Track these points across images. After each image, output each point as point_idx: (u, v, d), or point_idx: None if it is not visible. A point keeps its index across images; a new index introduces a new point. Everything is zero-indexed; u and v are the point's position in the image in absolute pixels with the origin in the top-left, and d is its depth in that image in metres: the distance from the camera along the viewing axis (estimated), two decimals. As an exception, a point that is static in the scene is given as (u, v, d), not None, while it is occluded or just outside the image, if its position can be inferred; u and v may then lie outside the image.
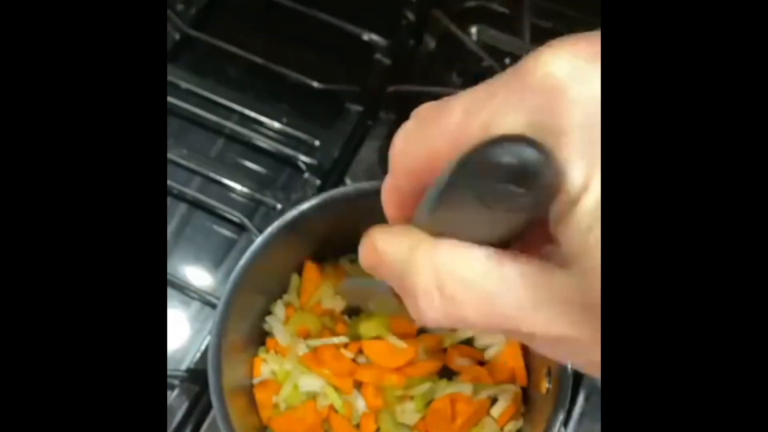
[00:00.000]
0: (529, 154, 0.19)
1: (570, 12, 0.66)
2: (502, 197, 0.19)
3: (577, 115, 0.19)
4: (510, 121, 0.20)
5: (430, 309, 0.21)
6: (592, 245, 0.19)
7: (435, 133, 0.22)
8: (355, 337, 0.51)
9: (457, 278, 0.21)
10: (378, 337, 0.51)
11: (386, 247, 0.23)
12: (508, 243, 0.21)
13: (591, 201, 0.18)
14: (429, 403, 0.49)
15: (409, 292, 0.22)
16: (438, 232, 0.22)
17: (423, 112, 0.23)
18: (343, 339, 0.51)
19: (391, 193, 0.25)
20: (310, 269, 0.53)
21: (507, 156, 0.19)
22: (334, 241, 0.52)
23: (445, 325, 0.22)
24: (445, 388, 0.49)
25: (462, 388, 0.49)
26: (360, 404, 0.49)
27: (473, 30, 0.70)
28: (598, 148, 0.18)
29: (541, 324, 0.20)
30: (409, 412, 0.49)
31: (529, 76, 0.19)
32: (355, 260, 0.55)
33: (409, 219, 0.24)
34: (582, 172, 0.19)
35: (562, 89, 0.19)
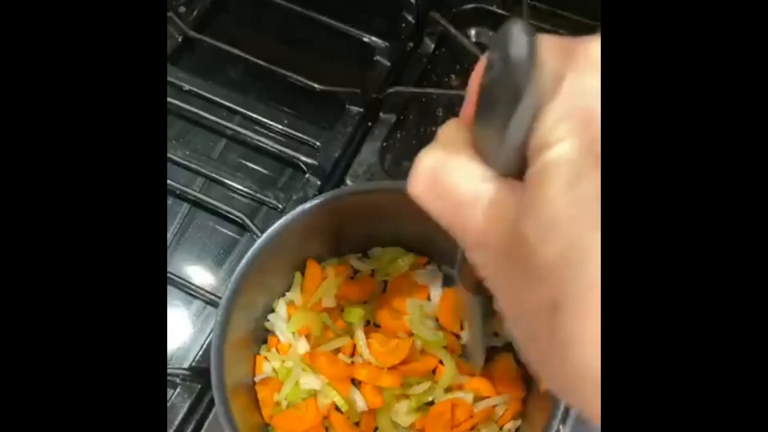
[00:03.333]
0: (518, 37, 0.22)
1: (568, 14, 0.67)
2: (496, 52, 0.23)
3: (582, 85, 0.21)
4: (551, 61, 0.23)
5: (417, 180, 0.26)
6: (540, 179, 0.22)
7: None
8: (348, 329, 0.51)
9: (453, 175, 0.25)
10: (368, 324, 0.51)
11: (439, 134, 0.27)
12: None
13: (556, 154, 0.21)
14: (427, 404, 0.50)
15: (414, 167, 0.26)
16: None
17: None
18: (337, 343, 0.51)
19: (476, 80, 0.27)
20: (312, 268, 0.53)
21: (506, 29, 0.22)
22: (335, 240, 0.53)
23: (420, 201, 0.26)
24: (445, 395, 0.50)
25: (462, 396, 0.50)
26: (360, 403, 0.49)
27: (472, 32, 0.70)
28: (587, 124, 0.21)
29: (476, 228, 0.24)
30: (402, 413, 0.49)
31: (579, 43, 0.22)
32: (359, 258, 0.55)
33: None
34: (559, 130, 0.21)
35: (592, 59, 0.22)
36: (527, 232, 0.22)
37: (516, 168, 0.24)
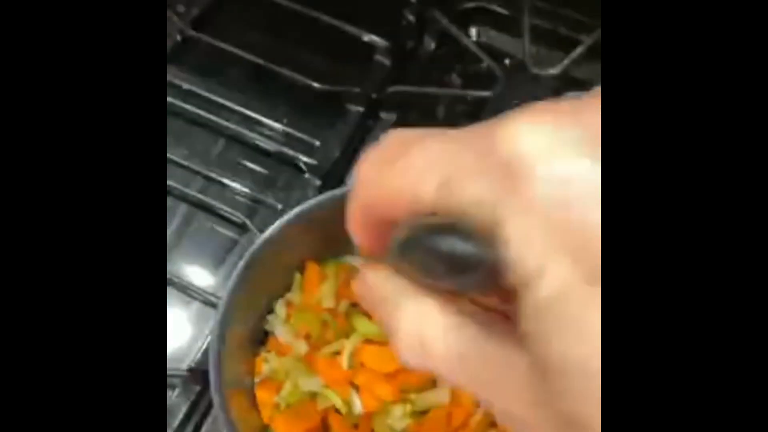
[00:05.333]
0: (460, 247, 0.18)
1: (569, 13, 0.66)
2: (441, 277, 0.19)
3: (541, 198, 0.17)
4: (469, 190, 0.18)
5: (407, 354, 0.21)
6: (541, 336, 0.17)
7: (397, 173, 0.21)
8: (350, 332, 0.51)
9: (434, 338, 0.21)
10: (370, 341, 0.51)
11: (376, 286, 0.23)
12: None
13: (543, 290, 0.17)
14: (423, 412, 0.49)
15: (393, 334, 0.22)
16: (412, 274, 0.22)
17: (392, 143, 0.22)
18: (337, 346, 0.51)
19: (356, 215, 0.24)
20: (311, 269, 0.53)
21: (441, 245, 0.19)
22: (335, 241, 0.52)
23: (422, 370, 0.22)
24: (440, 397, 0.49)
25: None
26: (357, 406, 0.49)
27: (473, 31, 0.70)
28: (560, 234, 0.17)
29: (498, 399, 0.20)
30: (397, 418, 0.49)
31: (499, 144, 0.18)
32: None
33: (373, 243, 0.24)
34: (536, 258, 0.17)
35: (530, 167, 0.17)
36: (580, 420, 0.17)
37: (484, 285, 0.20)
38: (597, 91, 0.18)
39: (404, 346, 0.21)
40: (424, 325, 0.21)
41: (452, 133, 0.20)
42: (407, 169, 0.20)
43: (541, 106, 0.18)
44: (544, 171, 0.17)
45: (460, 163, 0.19)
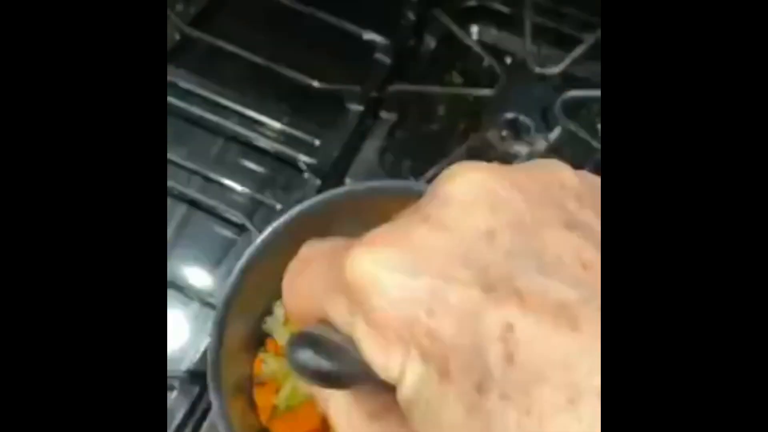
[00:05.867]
0: (310, 359, 0.21)
1: (570, 11, 0.66)
2: (314, 382, 0.22)
3: (380, 316, 0.20)
4: (332, 311, 0.22)
5: None
6: (413, 425, 0.20)
7: (294, 291, 0.25)
8: None
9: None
10: None
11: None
12: None
13: (404, 391, 0.19)
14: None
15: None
16: None
17: (300, 259, 0.26)
18: None
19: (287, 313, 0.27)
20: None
21: (298, 357, 0.22)
22: (335, 241, 0.52)
23: None
24: None
25: None
26: None
27: (474, 29, 0.70)
28: (404, 343, 0.19)
29: None
30: None
31: (345, 272, 0.20)
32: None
33: None
34: (394, 366, 0.20)
35: (365, 293, 0.20)
36: None
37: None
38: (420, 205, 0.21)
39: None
40: (341, 417, 0.24)
41: (326, 252, 0.24)
42: (305, 284, 0.24)
43: (377, 235, 0.21)
44: (376, 296, 0.20)
45: (328, 281, 0.22)
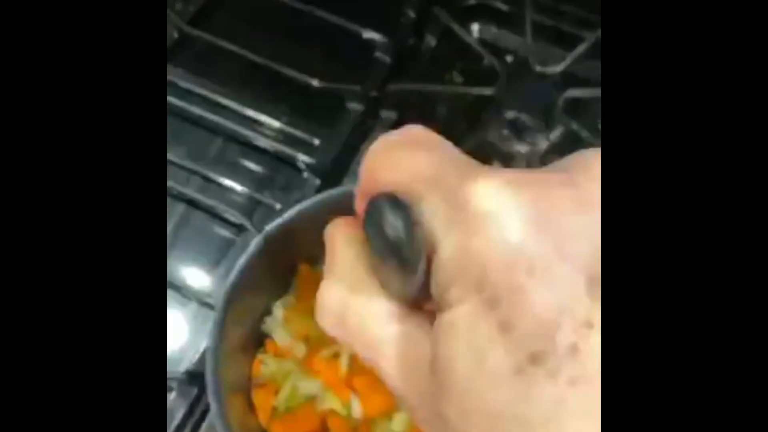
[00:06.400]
0: (399, 224, 0.21)
1: (571, 9, 0.66)
2: (379, 253, 0.22)
3: (475, 245, 0.20)
4: (432, 207, 0.21)
5: (327, 324, 0.25)
6: (440, 344, 0.20)
7: (390, 163, 0.23)
8: None
9: (359, 318, 0.24)
10: None
11: (334, 245, 0.26)
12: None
13: (454, 317, 0.20)
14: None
15: (319, 303, 0.25)
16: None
17: (406, 134, 0.24)
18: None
19: (361, 184, 0.25)
20: (305, 271, 0.52)
21: (388, 216, 0.21)
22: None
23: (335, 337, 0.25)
24: None
25: None
26: (356, 410, 0.48)
27: (474, 27, 0.70)
28: (480, 285, 0.19)
29: (393, 379, 0.23)
30: (398, 423, 0.48)
31: (469, 183, 0.20)
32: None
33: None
34: (460, 289, 0.20)
35: (478, 215, 0.20)
36: (447, 415, 0.20)
37: (420, 296, 0.22)
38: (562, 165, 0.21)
39: (326, 312, 0.25)
40: (350, 300, 0.24)
41: (453, 152, 0.23)
42: (403, 158, 0.23)
43: (522, 176, 0.20)
44: (488, 229, 0.20)
45: (437, 177, 0.21)
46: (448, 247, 0.20)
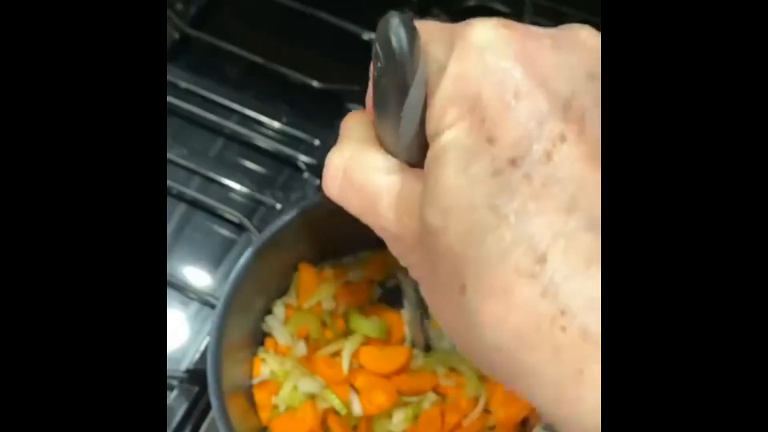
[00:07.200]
0: (408, 38, 0.24)
1: (570, 11, 0.66)
2: (382, 70, 0.25)
3: (472, 75, 0.23)
4: (436, 46, 0.25)
5: (331, 182, 0.27)
6: (430, 165, 0.23)
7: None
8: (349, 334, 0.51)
9: (361, 171, 0.27)
10: (369, 342, 0.50)
11: (348, 122, 0.29)
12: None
13: (447, 138, 0.23)
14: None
15: (326, 168, 0.28)
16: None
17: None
18: (336, 346, 0.50)
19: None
20: (305, 270, 0.52)
21: (402, 27, 0.24)
22: (334, 241, 0.52)
23: (338, 202, 0.28)
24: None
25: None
26: (357, 408, 0.49)
27: (474, 29, 0.70)
28: (473, 107, 0.22)
29: (390, 222, 0.26)
30: (396, 422, 0.48)
31: (466, 26, 0.24)
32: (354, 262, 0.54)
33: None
34: (453, 112, 0.23)
35: (472, 46, 0.24)
36: (429, 220, 0.23)
37: (420, 156, 0.24)
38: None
39: (331, 171, 0.27)
40: (353, 162, 0.27)
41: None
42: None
43: (510, 24, 0.24)
44: (481, 56, 0.23)
45: (440, 27, 0.26)
46: (449, 72, 0.23)
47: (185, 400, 0.51)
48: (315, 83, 0.64)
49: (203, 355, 0.53)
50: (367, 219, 0.27)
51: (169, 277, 0.56)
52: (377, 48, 0.25)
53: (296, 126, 0.62)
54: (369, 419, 0.49)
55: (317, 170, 0.60)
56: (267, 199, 0.59)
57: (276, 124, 0.62)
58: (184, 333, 0.55)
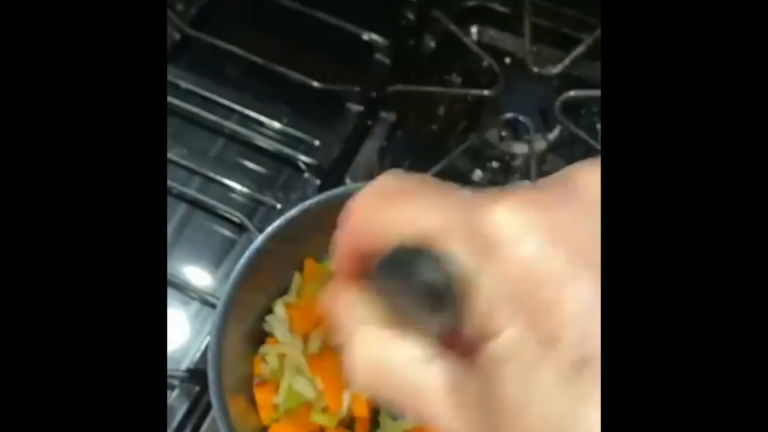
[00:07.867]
0: (432, 276, 0.21)
1: (570, 12, 0.66)
2: (410, 303, 0.22)
3: (510, 273, 0.20)
4: (452, 248, 0.21)
5: (362, 377, 0.24)
6: (490, 377, 0.20)
7: (392, 212, 0.23)
8: None
9: (396, 363, 0.23)
10: None
11: (341, 312, 0.25)
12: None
13: (499, 348, 0.20)
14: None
15: (351, 363, 0.24)
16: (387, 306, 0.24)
17: (389, 183, 0.24)
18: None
19: (346, 239, 0.25)
20: (311, 266, 0.52)
21: (417, 270, 0.21)
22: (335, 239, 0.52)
23: (367, 393, 0.25)
24: None
25: None
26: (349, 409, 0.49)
27: (473, 30, 0.70)
28: (518, 303, 0.20)
29: (447, 419, 0.22)
30: (396, 422, 0.48)
31: (484, 219, 0.21)
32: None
33: (355, 268, 0.25)
34: (500, 319, 0.20)
35: (506, 246, 0.20)
36: None
37: (451, 333, 0.22)
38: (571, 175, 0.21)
39: (361, 373, 0.24)
40: (383, 352, 0.23)
41: (444, 191, 0.23)
42: (402, 210, 0.23)
43: (522, 193, 0.21)
44: (515, 252, 0.20)
45: (448, 221, 0.21)
46: (486, 279, 0.20)
47: (186, 400, 0.51)
48: (315, 84, 0.64)
49: (204, 354, 0.52)
50: (407, 410, 0.24)
51: (169, 277, 0.56)
52: (392, 286, 0.22)
53: (296, 126, 0.62)
54: (365, 421, 0.49)
55: (317, 170, 0.60)
56: (267, 199, 0.59)
57: (276, 124, 0.62)
58: (184, 332, 0.55)
